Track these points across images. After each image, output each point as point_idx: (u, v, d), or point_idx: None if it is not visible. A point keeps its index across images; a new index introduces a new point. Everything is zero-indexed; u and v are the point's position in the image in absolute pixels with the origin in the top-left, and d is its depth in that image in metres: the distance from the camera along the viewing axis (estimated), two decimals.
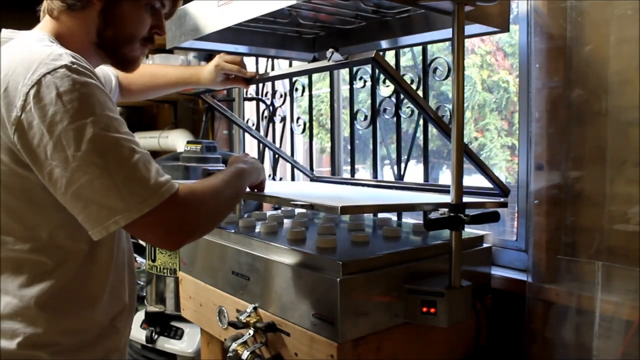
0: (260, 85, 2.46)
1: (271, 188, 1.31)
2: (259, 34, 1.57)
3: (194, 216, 0.88)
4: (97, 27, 0.97)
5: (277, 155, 2.37)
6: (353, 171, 1.98)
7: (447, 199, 1.07)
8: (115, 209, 0.80)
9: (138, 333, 2.15)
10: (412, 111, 1.70)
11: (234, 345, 1.18)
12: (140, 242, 2.97)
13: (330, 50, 1.04)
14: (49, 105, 0.79)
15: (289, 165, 2.35)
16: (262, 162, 2.48)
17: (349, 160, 1.98)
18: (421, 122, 1.68)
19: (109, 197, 0.79)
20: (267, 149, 2.45)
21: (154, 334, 2.11)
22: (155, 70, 1.45)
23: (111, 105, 0.85)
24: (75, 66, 0.83)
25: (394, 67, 1.74)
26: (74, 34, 0.97)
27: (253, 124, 2.53)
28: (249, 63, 2.57)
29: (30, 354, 0.88)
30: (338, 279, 1.00)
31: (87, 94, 0.82)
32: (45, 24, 0.97)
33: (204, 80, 1.42)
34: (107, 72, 1.31)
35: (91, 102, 0.82)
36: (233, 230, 1.37)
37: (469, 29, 1.21)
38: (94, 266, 0.96)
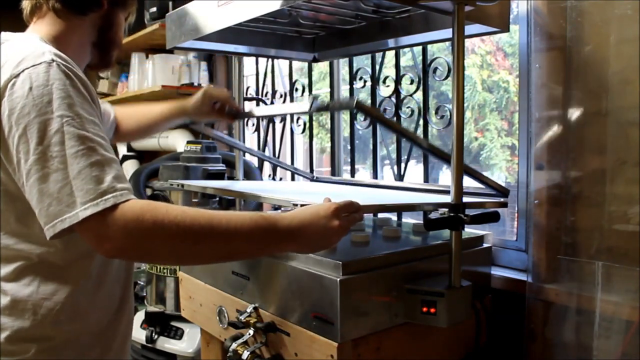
0: (260, 85, 2.46)
1: (271, 188, 1.31)
2: (259, 34, 1.57)
3: (129, 243, 0.79)
4: (99, 29, 1.05)
5: (277, 155, 2.38)
6: (353, 171, 1.98)
7: (447, 199, 1.07)
8: (67, 205, 0.78)
9: (138, 333, 2.15)
10: (412, 111, 1.70)
11: (234, 345, 1.18)
12: None
13: (311, 96, 1.04)
14: (20, 99, 0.81)
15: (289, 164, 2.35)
16: (262, 162, 2.48)
17: (349, 160, 1.98)
18: (421, 122, 1.68)
19: (62, 192, 0.78)
20: (266, 148, 2.45)
21: (154, 334, 2.11)
22: (141, 108, 1.46)
23: (87, 106, 0.85)
24: (55, 63, 0.84)
25: (394, 67, 1.74)
26: (75, 33, 1.02)
27: (253, 124, 2.53)
28: (249, 63, 2.58)
29: (18, 347, 0.89)
30: (338, 279, 1.00)
31: (60, 89, 0.82)
32: (42, 25, 1.01)
33: (190, 109, 1.43)
34: (106, 107, 1.34)
35: (62, 98, 0.82)
36: None
37: (469, 29, 1.21)
38: (78, 259, 0.96)
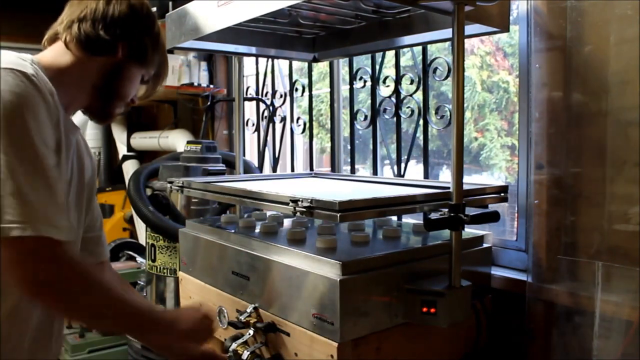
0: (261, 85, 2.46)
1: (272, 187, 1.30)
2: (259, 34, 1.57)
3: (57, 274, 0.83)
4: (105, 74, 1.04)
5: (277, 155, 2.38)
6: (353, 171, 1.98)
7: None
8: (22, 214, 0.78)
9: None
10: (412, 111, 1.70)
11: (234, 345, 1.18)
12: (140, 241, 2.97)
13: None
14: None
15: (289, 165, 2.36)
16: (262, 161, 2.48)
17: (349, 160, 1.98)
18: (421, 122, 1.68)
19: (15, 198, 0.78)
20: (266, 148, 2.45)
21: None
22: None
23: (45, 128, 0.86)
24: (33, 78, 0.85)
25: (394, 67, 1.74)
26: (79, 69, 1.01)
27: (253, 124, 2.53)
28: (249, 63, 2.58)
29: None
30: (338, 279, 1.00)
31: (25, 105, 0.83)
32: (50, 52, 1.02)
33: None
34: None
35: (24, 112, 0.82)
36: (233, 230, 1.37)
37: (469, 29, 1.21)
38: None
